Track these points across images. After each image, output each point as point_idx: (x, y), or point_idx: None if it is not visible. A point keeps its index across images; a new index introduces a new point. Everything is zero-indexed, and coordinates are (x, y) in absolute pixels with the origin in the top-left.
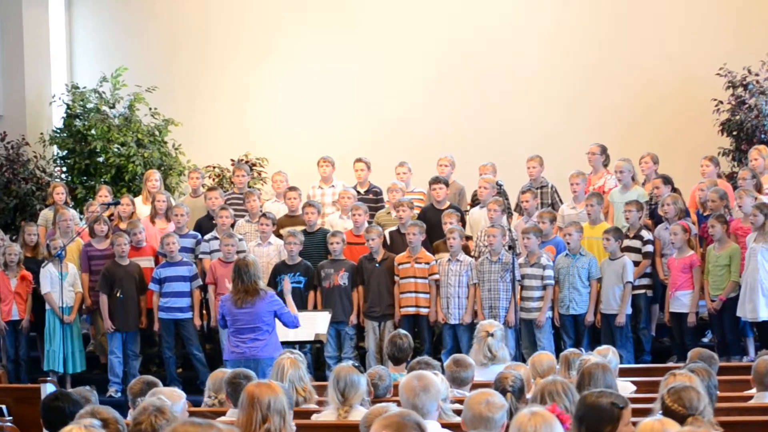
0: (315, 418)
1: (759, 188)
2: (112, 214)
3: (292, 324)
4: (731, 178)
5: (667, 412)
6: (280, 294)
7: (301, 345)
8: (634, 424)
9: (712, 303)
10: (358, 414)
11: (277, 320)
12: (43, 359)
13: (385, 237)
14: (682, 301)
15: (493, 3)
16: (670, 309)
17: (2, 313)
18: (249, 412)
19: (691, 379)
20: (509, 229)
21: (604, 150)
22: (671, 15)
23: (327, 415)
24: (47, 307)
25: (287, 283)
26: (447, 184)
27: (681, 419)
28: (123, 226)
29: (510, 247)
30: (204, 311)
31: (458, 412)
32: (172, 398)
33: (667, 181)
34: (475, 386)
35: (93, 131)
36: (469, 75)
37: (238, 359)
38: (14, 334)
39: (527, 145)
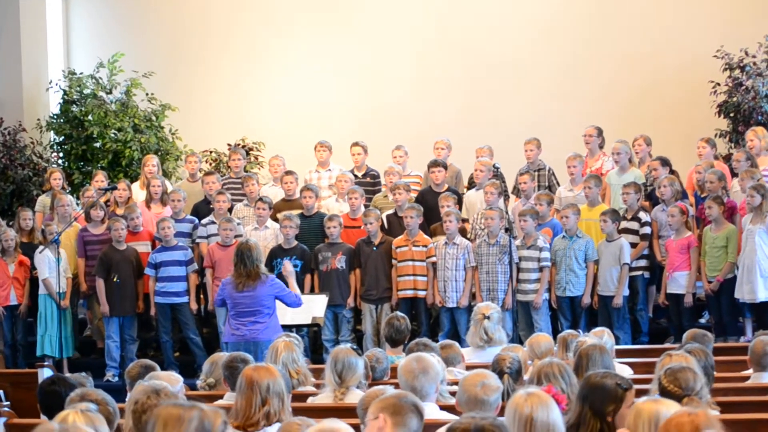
0: (311, 401)
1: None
2: (108, 200)
3: (295, 303)
4: (728, 159)
5: (664, 392)
6: (279, 277)
7: (298, 328)
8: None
9: (710, 284)
10: (354, 396)
11: (278, 302)
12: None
13: (382, 220)
14: (679, 282)
15: None
16: (667, 290)
17: (0, 298)
18: (248, 395)
19: (688, 359)
20: (506, 212)
21: (600, 132)
22: None
23: (323, 398)
24: (41, 292)
25: (288, 265)
26: (445, 167)
27: (678, 400)
28: (120, 211)
29: (507, 230)
30: (201, 295)
31: (454, 394)
32: (170, 382)
33: (664, 162)
34: (471, 368)
35: (90, 117)
36: (464, 58)
37: (238, 342)
38: (12, 319)
39: (524, 128)
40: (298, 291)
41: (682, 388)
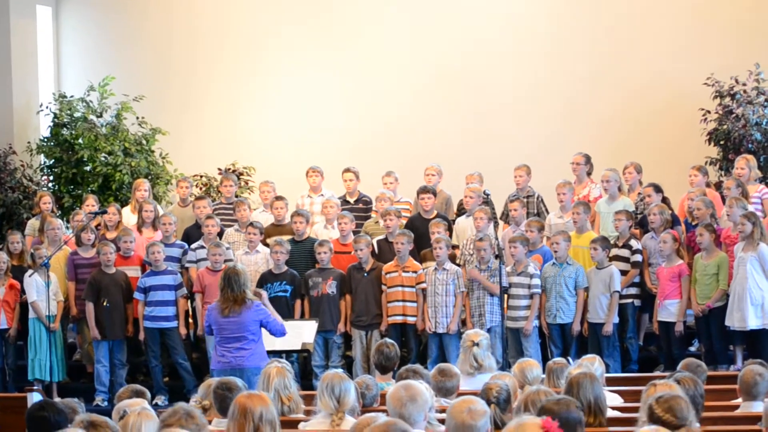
0: (303, 427)
1: (745, 197)
2: (99, 224)
3: (279, 332)
4: (719, 187)
5: (658, 422)
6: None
7: (287, 354)
8: None
9: (699, 307)
10: (348, 423)
11: (263, 329)
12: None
13: (373, 246)
14: (669, 309)
15: (485, 16)
16: (658, 318)
17: None
18: (240, 422)
19: (672, 388)
20: (496, 238)
21: (588, 159)
22: (660, 27)
23: (317, 424)
24: (30, 316)
25: (264, 297)
26: (435, 194)
27: (673, 429)
28: (109, 235)
29: (496, 256)
30: (190, 320)
31: (444, 422)
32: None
33: (657, 189)
34: (461, 395)
35: (80, 140)
36: (458, 85)
37: (224, 368)
38: (1, 343)
39: (516, 155)
40: (279, 318)
41: (677, 417)
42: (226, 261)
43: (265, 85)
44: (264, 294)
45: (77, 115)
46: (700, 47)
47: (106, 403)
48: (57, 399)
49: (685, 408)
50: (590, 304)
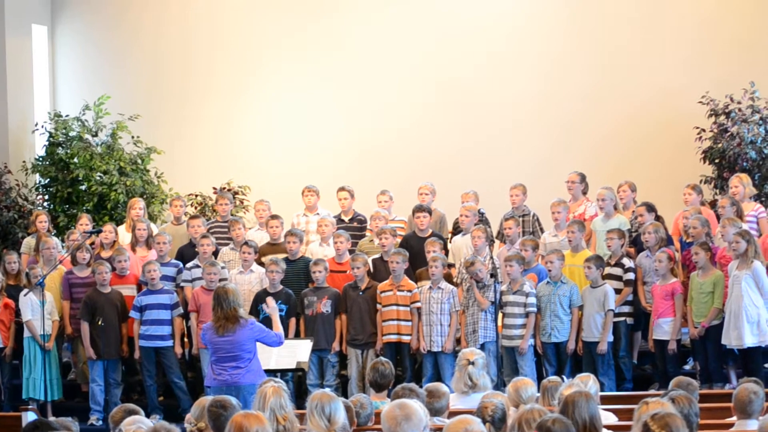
0: None
1: (740, 216)
2: (93, 242)
3: (276, 343)
4: (713, 205)
5: None
6: (263, 322)
7: (282, 373)
8: None
9: (695, 330)
10: None
11: (262, 345)
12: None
13: (369, 265)
14: (664, 328)
15: (482, 33)
16: (653, 336)
17: None
18: None
19: (665, 406)
20: (491, 257)
21: (583, 178)
22: (656, 46)
23: None
24: (26, 335)
25: (271, 302)
26: (430, 213)
27: None
28: (105, 254)
29: (492, 275)
30: (185, 339)
31: None
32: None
33: (650, 208)
34: (455, 414)
35: (75, 159)
36: (454, 104)
37: (220, 386)
38: None
39: (512, 174)
40: (280, 328)
41: None
42: (221, 280)
43: (260, 104)
44: (272, 303)
45: (72, 134)
46: (695, 66)
47: (100, 422)
48: (52, 418)
49: (681, 426)
50: (585, 323)
